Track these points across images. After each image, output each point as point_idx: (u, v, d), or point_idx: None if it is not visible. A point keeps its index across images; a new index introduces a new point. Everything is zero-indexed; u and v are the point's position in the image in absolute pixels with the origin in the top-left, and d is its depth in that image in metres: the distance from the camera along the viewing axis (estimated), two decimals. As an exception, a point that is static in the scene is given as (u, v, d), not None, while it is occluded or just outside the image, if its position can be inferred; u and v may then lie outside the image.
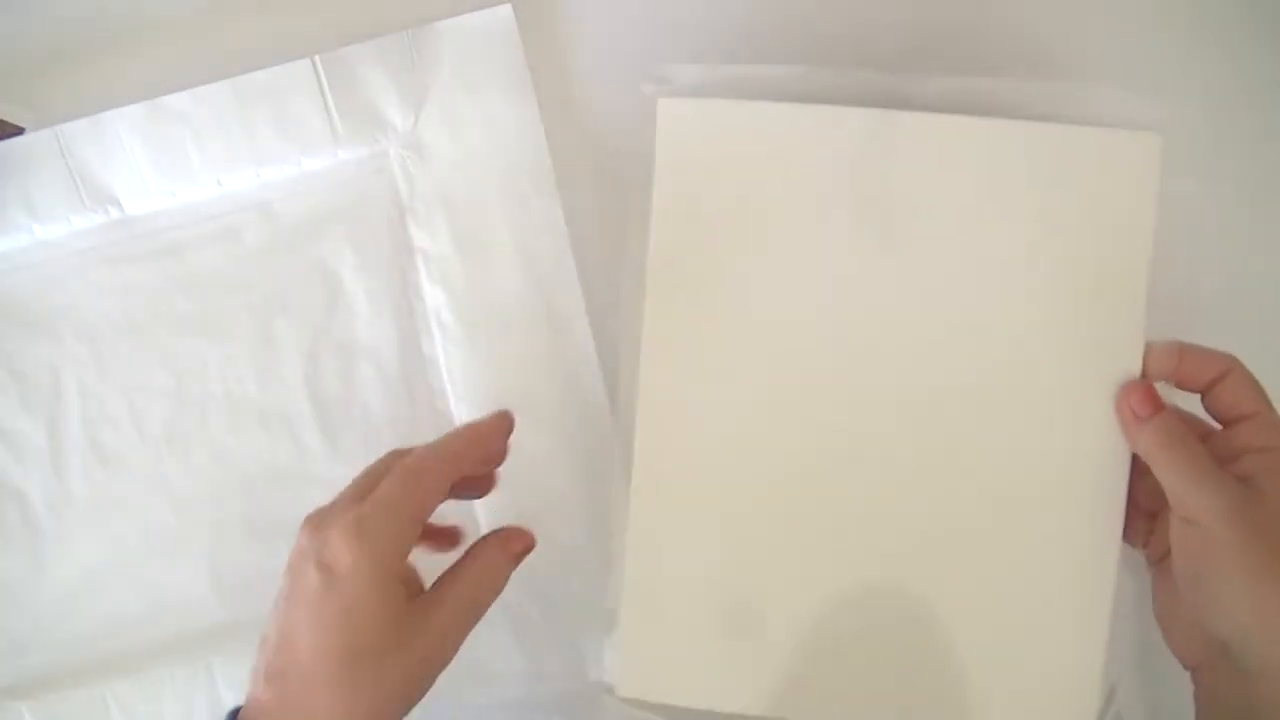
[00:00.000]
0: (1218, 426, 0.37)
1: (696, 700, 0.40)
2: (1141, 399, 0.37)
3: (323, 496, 0.44)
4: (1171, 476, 0.36)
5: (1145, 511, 0.39)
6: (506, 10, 0.44)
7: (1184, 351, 0.37)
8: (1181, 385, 0.38)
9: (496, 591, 0.37)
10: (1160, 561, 0.38)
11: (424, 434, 0.44)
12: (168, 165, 0.44)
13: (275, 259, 0.45)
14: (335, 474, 0.44)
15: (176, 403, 0.45)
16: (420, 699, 0.35)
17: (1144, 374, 0.38)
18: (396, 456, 0.37)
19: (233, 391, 0.45)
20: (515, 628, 0.44)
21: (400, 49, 0.44)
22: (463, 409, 0.44)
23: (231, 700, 0.44)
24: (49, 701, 0.44)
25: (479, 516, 0.44)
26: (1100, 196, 0.40)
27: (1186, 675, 0.38)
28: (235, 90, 0.44)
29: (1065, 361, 0.40)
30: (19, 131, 0.45)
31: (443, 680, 0.44)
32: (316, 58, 0.44)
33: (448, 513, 0.38)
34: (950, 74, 0.41)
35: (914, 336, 0.40)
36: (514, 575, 0.43)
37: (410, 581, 0.36)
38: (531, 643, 0.44)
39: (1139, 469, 0.39)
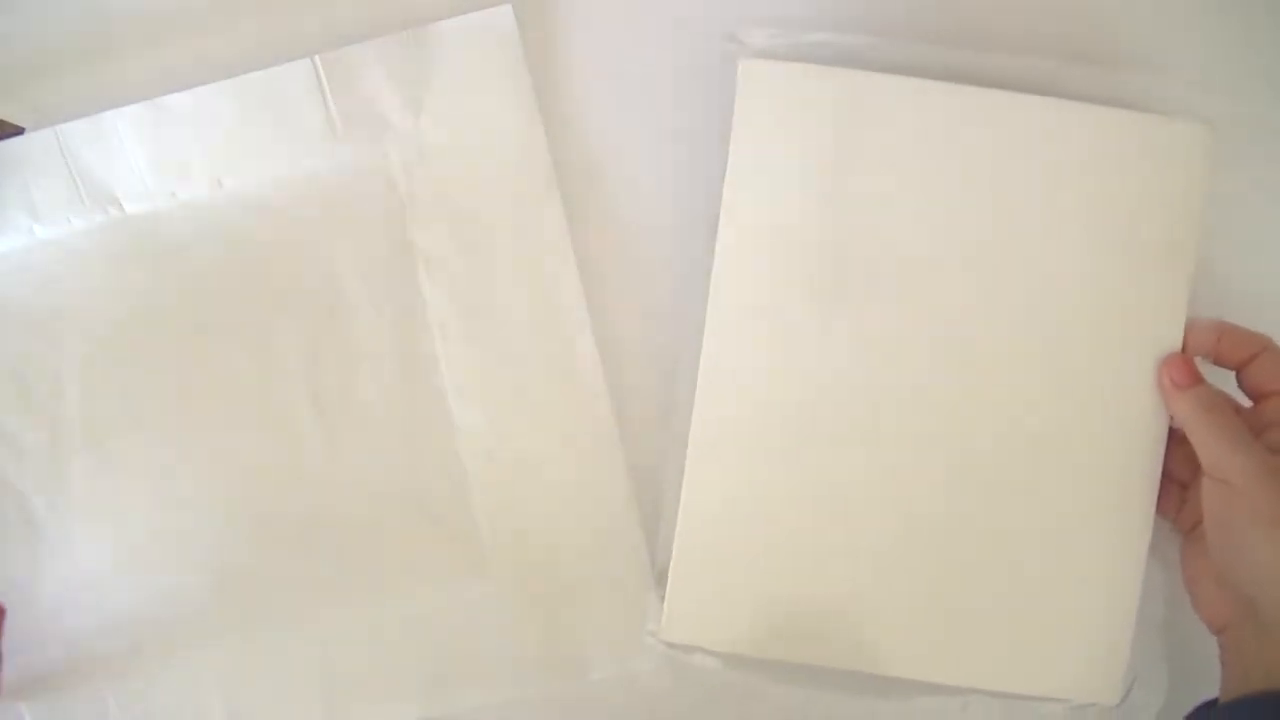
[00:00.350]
0: (1248, 404, 0.40)
1: (734, 646, 0.42)
2: (1181, 370, 0.40)
3: (321, 497, 0.44)
4: (1207, 440, 0.38)
5: (1178, 482, 0.42)
6: (506, 10, 0.44)
7: (1223, 329, 0.41)
8: (1219, 361, 0.41)
9: None
10: (1190, 531, 0.41)
11: (423, 434, 0.44)
12: (168, 165, 0.44)
13: (276, 259, 0.45)
14: (335, 474, 0.44)
15: (177, 402, 0.45)
16: None
17: (1185, 348, 0.41)
18: None
19: (233, 391, 0.45)
20: (516, 627, 0.44)
21: (401, 49, 0.44)
22: (462, 407, 0.44)
23: (231, 700, 0.44)
24: (48, 700, 0.44)
25: (477, 518, 0.44)
26: (1152, 181, 0.42)
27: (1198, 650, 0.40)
28: (235, 90, 0.44)
29: (1111, 335, 0.42)
30: (19, 131, 0.45)
31: (444, 682, 0.44)
32: (317, 58, 0.44)
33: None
34: (1013, 53, 0.43)
35: (968, 299, 0.42)
36: (514, 575, 0.44)
37: None
38: (531, 641, 0.44)
39: (1172, 440, 0.41)
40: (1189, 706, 0.39)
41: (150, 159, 0.44)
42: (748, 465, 0.42)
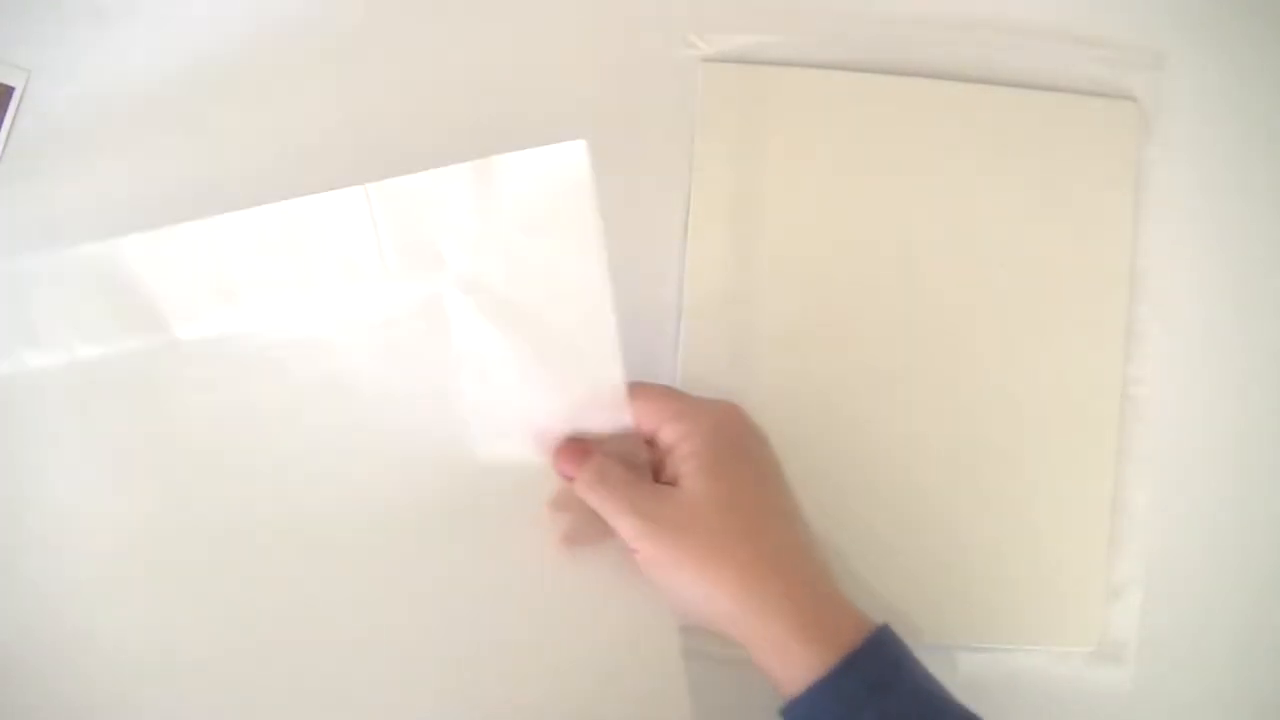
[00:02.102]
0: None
1: None
2: (565, 462, 0.41)
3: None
4: (604, 515, 0.40)
5: None
6: (579, 145, 0.40)
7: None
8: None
9: None
10: None
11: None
12: (215, 290, 0.42)
13: (321, 394, 0.43)
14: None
15: (218, 532, 0.43)
16: None
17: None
18: None
19: (277, 523, 0.43)
20: None
21: (458, 181, 0.40)
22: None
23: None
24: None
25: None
26: (1087, 155, 0.47)
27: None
28: (283, 215, 0.41)
29: (1062, 302, 0.47)
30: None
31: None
32: (369, 186, 0.40)
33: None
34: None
35: (937, 283, 0.46)
36: None
37: None
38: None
39: None
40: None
41: (205, 283, 0.42)
42: None
